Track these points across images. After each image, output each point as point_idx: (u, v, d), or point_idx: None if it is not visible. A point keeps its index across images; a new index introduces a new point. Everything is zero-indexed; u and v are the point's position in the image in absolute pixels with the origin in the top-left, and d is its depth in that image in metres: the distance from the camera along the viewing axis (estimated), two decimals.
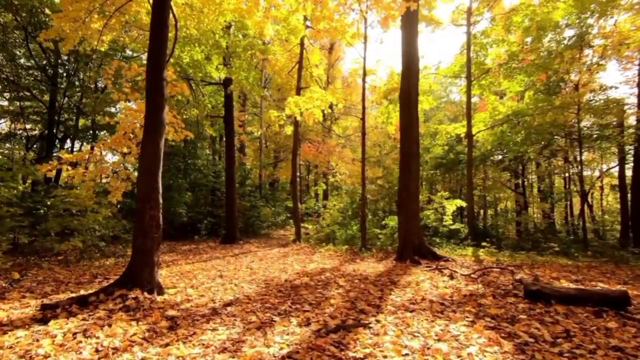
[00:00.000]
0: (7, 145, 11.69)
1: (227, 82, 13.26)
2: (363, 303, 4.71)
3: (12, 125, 18.31)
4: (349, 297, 5.05)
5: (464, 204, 12.58)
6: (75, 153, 7.76)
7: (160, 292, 5.00)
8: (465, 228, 11.27)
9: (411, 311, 4.32)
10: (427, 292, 5.25)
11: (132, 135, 7.67)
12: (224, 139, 14.22)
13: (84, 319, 3.79)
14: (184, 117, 12.51)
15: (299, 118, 11.67)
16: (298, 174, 19.02)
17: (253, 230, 16.54)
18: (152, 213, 4.96)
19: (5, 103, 17.34)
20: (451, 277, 6.39)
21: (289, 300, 4.94)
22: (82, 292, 5.25)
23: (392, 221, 11.74)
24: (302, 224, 14.96)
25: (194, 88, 13.45)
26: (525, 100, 13.52)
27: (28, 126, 19.45)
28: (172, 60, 11.74)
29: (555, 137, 14.13)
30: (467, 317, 4.05)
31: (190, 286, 5.69)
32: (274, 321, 3.96)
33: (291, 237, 14.98)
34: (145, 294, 4.64)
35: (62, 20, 7.54)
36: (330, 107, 26.73)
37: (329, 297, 5.05)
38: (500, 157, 18.31)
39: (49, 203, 9.06)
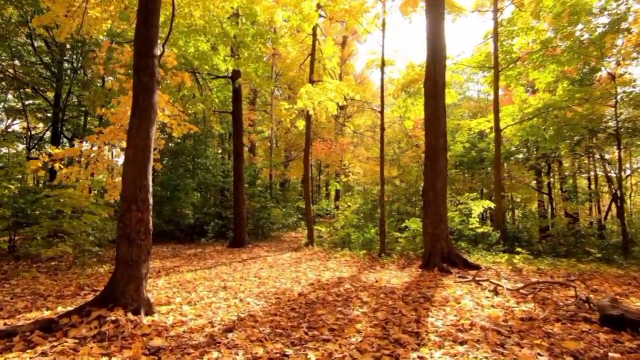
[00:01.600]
0: (5, 142, 11.07)
1: (235, 76, 12.46)
2: (397, 329, 3.77)
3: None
4: (377, 320, 4.11)
5: (491, 205, 11.49)
6: (66, 148, 7.01)
7: (149, 311, 4.15)
8: (497, 232, 10.18)
9: (462, 343, 3.36)
10: (473, 314, 4.27)
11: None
12: (232, 137, 13.40)
13: (42, 354, 2.95)
14: (189, 111, 11.77)
15: (311, 112, 10.79)
16: (309, 174, 18.15)
17: (263, 232, 15.71)
18: (140, 215, 4.12)
19: (12, 99, 16.99)
20: (495, 292, 5.38)
21: (304, 322, 4.03)
22: (60, 309, 4.45)
23: (414, 224, 10.75)
24: (314, 226, 14.05)
25: (200, 82, 12.70)
26: (559, 91, 12.34)
27: (32, 125, 19.08)
28: (175, 50, 10.99)
29: (592, 131, 12.93)
30: (539, 354, 3.07)
31: (188, 302, 4.83)
32: (286, 356, 3.06)
33: (303, 240, 14.09)
34: (129, 315, 3.79)
35: (55, 4, 6.83)
36: (342, 107, 25.83)
37: (352, 320, 4.12)
38: (524, 154, 17.12)
39: (44, 203, 8.37)
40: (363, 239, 11.38)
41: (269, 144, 24.22)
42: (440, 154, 8.52)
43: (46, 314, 4.24)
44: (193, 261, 9.15)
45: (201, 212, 15.15)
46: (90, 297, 4.86)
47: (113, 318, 3.61)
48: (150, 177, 4.31)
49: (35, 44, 14.97)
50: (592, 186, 20.13)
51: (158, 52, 4.53)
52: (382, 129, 10.44)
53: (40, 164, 6.80)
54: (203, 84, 13.20)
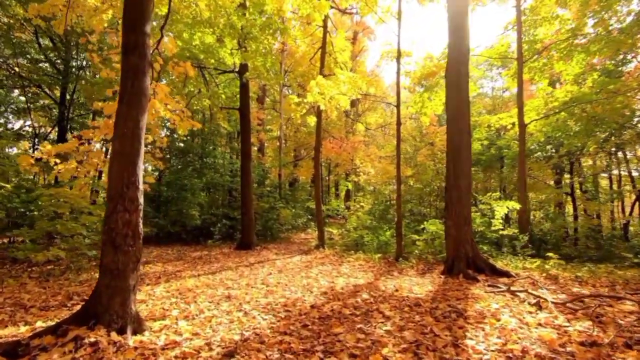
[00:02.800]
0: (2, 141, 10.71)
1: (242, 70, 11.91)
2: (432, 356, 3.11)
3: (22, 122, 17.73)
4: (406, 342, 3.45)
5: (516, 206, 10.68)
6: (60, 144, 6.51)
7: (138, 328, 3.56)
8: (525, 235, 9.39)
9: None
10: (521, 336, 3.58)
11: None
12: (240, 134, 12.85)
13: None
14: (195, 107, 11.26)
15: (323, 107, 10.16)
16: (320, 173, 17.44)
17: (271, 233, 15.13)
18: (128, 217, 3.54)
19: (18, 99, 16.77)
20: (538, 306, 4.66)
21: (318, 345, 3.39)
22: (39, 324, 3.90)
23: (433, 226, 10.03)
24: (325, 228, 13.41)
25: (206, 77, 12.18)
26: (588, 83, 11.47)
27: (41, 124, 18.88)
28: (180, 43, 10.49)
29: (622, 127, 12.01)
30: None
31: (185, 316, 4.23)
32: None
33: (313, 242, 13.47)
34: (113, 334, 3.21)
35: None
36: (353, 104, 25.11)
37: (376, 341, 3.47)
38: (546, 152, 16.21)
39: (40, 204, 7.91)
40: (378, 241, 10.69)
41: (277, 143, 23.68)
42: (464, 150, 7.80)
43: (22, 330, 3.69)
44: (197, 265, 8.59)
45: (208, 213, 14.65)
46: (77, 308, 4.31)
47: (92, 339, 3.03)
48: (140, 173, 3.73)
49: (42, 42, 14.71)
50: (614, 186, 19.09)
51: (149, 28, 3.94)
52: (399, 123, 9.74)
53: (32, 160, 6.32)
54: (209, 79, 12.67)
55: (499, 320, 4.09)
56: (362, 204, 13.85)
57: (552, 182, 17.48)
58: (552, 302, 4.67)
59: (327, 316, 4.38)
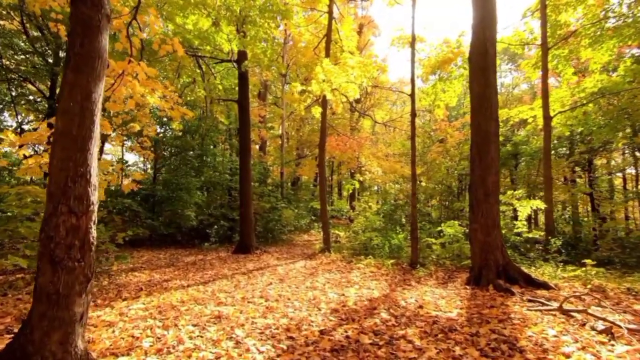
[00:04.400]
0: None
1: (240, 58, 10.97)
2: None
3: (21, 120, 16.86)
4: None
5: (541, 206, 9.67)
6: (28, 133, 5.58)
7: None
8: (558, 239, 8.38)
9: None
10: None
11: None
12: (238, 128, 11.92)
13: None
14: (188, 98, 10.34)
15: (329, 96, 9.22)
16: (325, 170, 16.33)
17: (273, 235, 14.19)
18: (75, 222, 2.60)
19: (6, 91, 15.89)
20: (610, 334, 3.68)
21: None
22: None
23: (451, 228, 9.05)
24: (330, 230, 12.44)
25: (202, 67, 11.25)
26: (620, 71, 10.45)
27: (32, 118, 18.00)
28: (171, 27, 9.57)
29: None
30: None
31: (158, 349, 3.28)
32: None
33: (317, 245, 12.52)
34: None
35: None
36: (358, 99, 24.12)
37: None
38: (567, 148, 15.20)
39: (14, 203, 6.99)
40: (390, 245, 9.71)
41: (279, 142, 22.76)
42: (492, 141, 6.82)
43: None
44: (189, 272, 7.65)
45: (205, 214, 13.72)
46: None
47: None
48: (94, 163, 2.79)
49: (30, 33, 13.85)
50: (629, 185, 18.06)
51: None
52: (413, 114, 8.77)
53: None
54: (206, 70, 11.74)
55: (568, 358, 3.12)
56: (370, 203, 12.91)
57: (563, 180, 16.51)
58: (626, 328, 3.68)
59: (342, 346, 3.42)
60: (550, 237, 8.56)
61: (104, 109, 6.37)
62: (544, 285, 6.08)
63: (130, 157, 26.20)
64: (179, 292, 5.69)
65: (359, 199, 20.49)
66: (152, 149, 13.53)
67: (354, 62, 7.87)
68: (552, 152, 15.05)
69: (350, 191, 17.84)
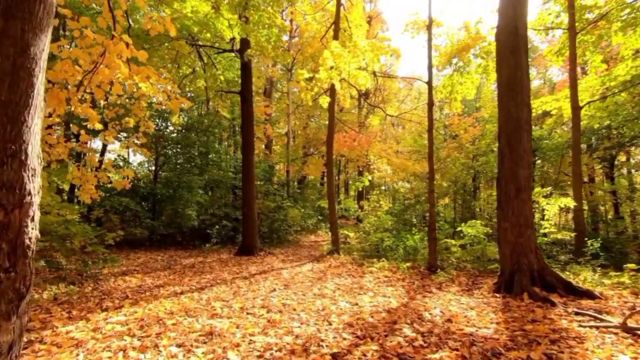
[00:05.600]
0: None
1: (243, 47, 10.30)
2: None
3: None
4: None
5: (571, 204, 8.82)
6: None
7: None
8: (597, 241, 7.52)
9: None
10: None
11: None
12: (241, 122, 11.25)
13: None
14: (187, 89, 9.71)
15: (337, 86, 8.50)
16: (333, 167, 15.49)
17: (278, 236, 13.50)
18: (1, 219, 1.91)
19: None
20: None
21: None
22: None
23: (472, 228, 8.25)
24: (339, 230, 11.70)
25: (202, 56, 10.60)
26: None
27: None
28: (168, 11, 8.93)
29: None
30: None
31: None
32: None
33: (325, 246, 11.79)
34: None
35: None
36: (367, 95, 23.36)
37: None
38: (595, 141, 14.24)
39: None
40: (405, 247, 8.95)
41: (285, 140, 22.10)
42: (524, 129, 6.04)
43: None
44: (185, 277, 6.98)
45: (207, 213, 13.07)
46: None
47: None
48: (33, 139, 2.10)
49: None
50: None
51: None
52: (430, 104, 8.01)
53: None
54: (207, 61, 11.08)
55: None
56: (381, 202, 12.16)
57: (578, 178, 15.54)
58: None
59: None
60: (586, 239, 7.70)
61: (92, 100, 5.66)
62: (588, 294, 5.28)
63: (138, 158, 25.55)
64: (170, 300, 5.00)
65: (368, 198, 19.73)
66: (150, 145, 12.97)
67: (365, 44, 7.14)
68: (568, 148, 14.17)
69: (360, 189, 17.06)
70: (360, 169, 22.95)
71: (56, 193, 6.56)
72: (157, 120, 12.81)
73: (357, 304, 5.03)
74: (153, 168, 13.97)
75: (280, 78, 23.08)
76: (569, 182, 14.17)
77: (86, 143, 8.19)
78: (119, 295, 5.22)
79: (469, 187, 13.87)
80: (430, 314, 4.59)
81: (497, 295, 5.62)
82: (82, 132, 5.91)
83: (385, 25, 25.06)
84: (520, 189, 5.91)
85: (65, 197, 9.40)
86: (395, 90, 25.92)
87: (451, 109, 12.06)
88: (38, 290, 5.08)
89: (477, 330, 3.82)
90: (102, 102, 6.86)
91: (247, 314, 4.46)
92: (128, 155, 19.72)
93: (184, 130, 13.89)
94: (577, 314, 4.46)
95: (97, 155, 14.54)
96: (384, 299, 5.45)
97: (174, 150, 13.94)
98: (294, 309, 4.70)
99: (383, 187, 27.76)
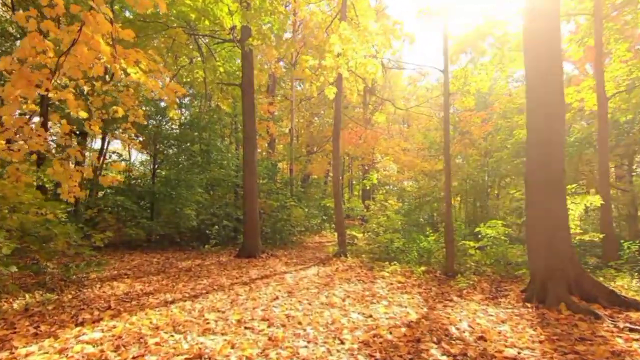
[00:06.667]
0: None
1: (244, 37, 9.70)
2: None
3: None
4: None
5: (598, 202, 8.12)
6: None
7: None
8: (635, 242, 6.82)
9: None
10: None
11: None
12: (242, 116, 10.65)
13: None
14: (184, 79, 9.11)
15: (345, 75, 7.89)
16: (340, 164, 14.73)
17: (281, 237, 12.87)
18: None
19: None
20: None
21: None
22: None
23: (491, 229, 7.59)
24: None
25: (201, 46, 10.00)
26: None
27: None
28: None
29: None
30: None
31: None
32: None
33: (330, 247, 11.17)
34: None
35: None
36: (371, 90, 22.68)
37: None
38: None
39: None
40: (419, 249, 8.30)
41: (288, 139, 21.47)
42: (556, 121, 5.37)
43: None
44: (179, 282, 6.37)
45: (207, 213, 12.47)
46: None
47: None
48: None
49: None
50: None
51: None
52: (447, 93, 7.35)
53: None
54: (206, 52, 10.49)
55: None
56: (390, 201, 11.51)
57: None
58: None
59: None
60: (622, 241, 7.01)
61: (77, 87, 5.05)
62: (635, 305, 4.62)
63: (140, 157, 24.87)
64: (157, 311, 4.39)
65: (374, 197, 19.06)
66: (148, 142, 12.40)
67: (377, 26, 6.51)
68: (587, 144, 13.43)
69: (368, 187, 16.40)
70: (366, 168, 22.30)
71: (37, 189, 5.97)
72: (155, 116, 12.25)
73: (371, 316, 4.40)
74: (151, 166, 13.41)
75: (283, 76, 22.48)
76: (585, 181, 13.46)
77: (70, 136, 7.59)
78: (101, 304, 4.61)
79: (482, 185, 13.18)
80: (458, 328, 3.95)
81: (528, 305, 4.97)
82: (64, 121, 5.34)
83: (389, 21, 24.41)
84: (552, 184, 5.25)
85: (49, 195, 8.76)
86: (401, 88, 25.27)
87: (463, 103, 11.37)
88: (9, 300, 4.49)
89: (520, 353, 3.17)
90: (86, 88, 6.28)
91: (245, 328, 3.84)
92: (129, 155, 19.22)
93: (182, 127, 13.30)
94: (631, 330, 3.81)
95: (93, 152, 13.99)
96: (400, 309, 4.82)
97: (174, 150, 13.37)
98: (299, 323, 4.07)
99: (387, 187, 27.10)
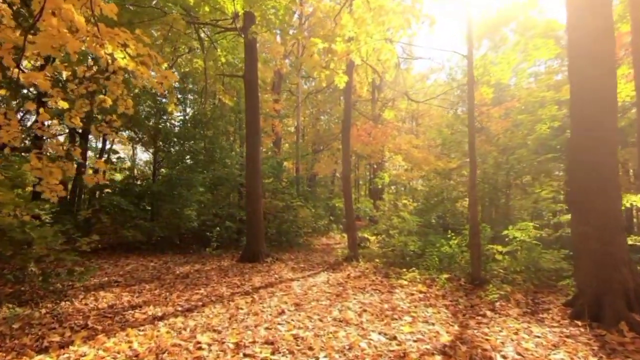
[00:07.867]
0: None
1: (247, 25, 9.03)
2: None
3: None
4: None
5: (638, 202, 7.28)
6: None
7: None
8: None
9: None
10: None
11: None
12: (245, 110, 9.98)
13: None
14: (182, 70, 8.47)
15: (357, 61, 7.20)
16: (350, 163, 13.87)
17: (287, 239, 12.17)
18: None
19: None
20: None
21: None
22: None
23: (522, 232, 6.80)
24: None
25: (200, 35, 9.35)
26: None
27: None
28: None
29: None
30: None
31: None
32: None
33: (339, 250, 10.43)
34: None
35: None
36: (380, 88, 21.91)
37: None
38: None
39: None
40: (439, 254, 7.53)
41: (294, 137, 20.82)
42: (608, 103, 4.60)
43: None
44: (174, 291, 5.70)
45: (210, 213, 11.82)
46: None
47: None
48: None
49: None
50: None
51: None
52: (471, 82, 6.59)
53: None
54: (208, 43, 9.83)
55: None
56: (404, 201, 10.75)
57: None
58: None
59: None
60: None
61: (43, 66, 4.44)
62: None
63: (144, 156, 24.25)
64: (142, 331, 3.70)
65: (382, 197, 18.30)
66: (149, 140, 11.79)
67: (394, 4, 5.78)
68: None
69: (381, 186, 15.63)
70: (374, 167, 21.54)
71: (12, 188, 5.35)
72: (156, 113, 11.64)
73: (395, 338, 3.67)
74: (152, 165, 12.81)
75: (289, 74, 21.82)
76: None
77: (47, 125, 6.96)
78: (77, 322, 3.94)
79: (502, 184, 12.35)
80: (504, 356, 3.21)
81: (579, 323, 4.20)
82: (42, 110, 4.69)
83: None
84: (605, 182, 4.48)
85: (26, 193, 8.09)
86: (410, 85, 24.50)
87: (481, 95, 10.57)
88: None
89: None
90: (65, 74, 5.62)
91: (245, 356, 3.14)
92: (134, 154, 18.69)
93: (185, 124, 12.67)
94: None
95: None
96: (427, 326, 4.09)
97: (175, 148, 12.75)
98: (310, 347, 3.36)
99: (394, 186, 26.29)
